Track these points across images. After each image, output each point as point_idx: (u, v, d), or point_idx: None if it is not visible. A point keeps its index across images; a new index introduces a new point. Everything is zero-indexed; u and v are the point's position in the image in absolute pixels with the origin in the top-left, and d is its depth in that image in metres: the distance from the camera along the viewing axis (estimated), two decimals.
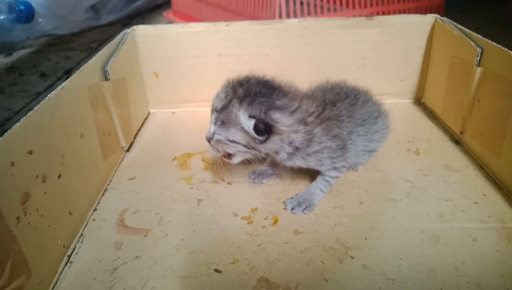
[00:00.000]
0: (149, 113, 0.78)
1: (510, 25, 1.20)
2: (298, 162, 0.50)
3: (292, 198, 0.53)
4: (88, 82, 0.54)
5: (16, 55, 1.20)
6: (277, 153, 0.49)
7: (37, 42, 1.31)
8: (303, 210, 0.51)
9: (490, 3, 1.46)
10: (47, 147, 0.43)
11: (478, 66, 0.59)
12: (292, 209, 0.51)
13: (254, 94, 0.46)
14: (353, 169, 0.58)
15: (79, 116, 0.51)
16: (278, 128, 0.46)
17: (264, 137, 0.46)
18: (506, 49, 0.54)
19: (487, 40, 0.58)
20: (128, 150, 0.65)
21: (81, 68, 0.53)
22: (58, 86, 0.94)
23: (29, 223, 0.39)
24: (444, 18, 0.70)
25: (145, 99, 0.77)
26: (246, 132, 0.46)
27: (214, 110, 0.48)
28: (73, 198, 0.48)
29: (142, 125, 0.74)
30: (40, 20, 1.27)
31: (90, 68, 0.55)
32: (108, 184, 0.57)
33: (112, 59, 0.60)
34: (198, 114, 0.77)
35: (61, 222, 0.45)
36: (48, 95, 0.45)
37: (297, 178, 0.57)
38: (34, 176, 0.41)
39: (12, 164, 0.37)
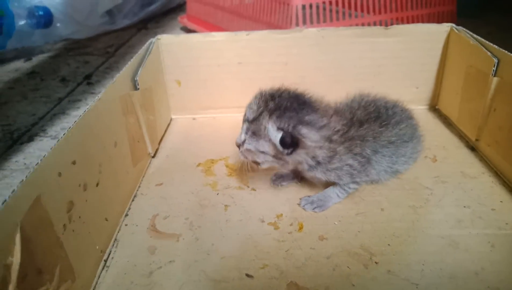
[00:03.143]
0: (171, 119, 0.81)
1: None
2: (319, 175, 0.53)
3: (308, 196, 0.56)
4: (120, 92, 0.56)
5: (35, 60, 1.23)
6: (299, 163, 0.52)
7: (55, 47, 1.34)
8: (314, 208, 0.54)
9: (498, 11, 1.48)
10: (87, 157, 0.45)
11: (495, 76, 0.60)
12: (304, 205, 0.55)
13: (284, 108, 0.48)
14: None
15: (113, 126, 0.53)
16: (304, 143, 0.48)
17: (290, 150, 0.48)
18: None
19: (503, 50, 0.60)
20: (154, 156, 0.68)
21: (114, 80, 0.55)
22: (78, 91, 0.98)
23: (73, 230, 0.41)
24: (460, 28, 0.72)
25: (167, 105, 0.79)
26: (274, 144, 0.48)
27: (246, 120, 0.51)
28: (108, 204, 0.51)
29: (165, 131, 0.76)
30: (58, 25, 1.29)
31: (122, 78, 0.57)
32: (137, 190, 0.60)
33: (140, 69, 0.62)
34: (218, 120, 0.80)
35: (99, 228, 0.48)
36: (87, 107, 0.47)
37: (321, 185, 0.59)
38: (77, 185, 0.43)
39: (59, 174, 0.40)
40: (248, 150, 0.51)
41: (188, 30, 1.39)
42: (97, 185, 0.47)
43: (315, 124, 0.48)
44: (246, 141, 0.51)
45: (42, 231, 0.36)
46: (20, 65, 1.19)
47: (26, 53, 1.27)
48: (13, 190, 0.33)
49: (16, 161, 0.71)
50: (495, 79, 0.60)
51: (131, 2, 1.48)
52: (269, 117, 0.48)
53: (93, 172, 0.47)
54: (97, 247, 0.47)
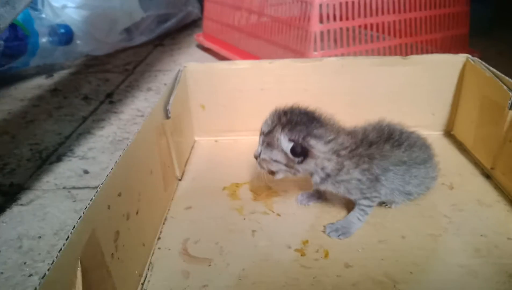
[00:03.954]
0: (195, 141, 0.84)
1: None
2: (329, 187, 0.57)
3: (332, 223, 0.59)
4: (155, 123, 0.59)
5: (56, 76, 1.27)
6: (311, 175, 0.56)
7: (75, 63, 1.38)
8: (339, 235, 0.57)
9: (510, 28, 1.50)
10: (129, 187, 0.49)
11: (510, 109, 0.63)
12: (329, 233, 0.57)
13: (295, 123, 0.53)
14: (387, 206, 0.62)
15: (149, 155, 0.56)
16: (313, 153, 0.53)
17: (300, 159, 0.53)
18: None
19: None
20: (180, 179, 0.71)
21: (150, 111, 0.58)
22: (102, 110, 1.02)
23: (118, 258, 0.44)
24: (476, 59, 0.75)
25: (191, 128, 0.82)
26: (286, 154, 0.53)
27: (262, 133, 0.56)
28: (145, 230, 0.54)
29: (190, 153, 0.79)
30: (78, 42, 1.33)
31: (157, 109, 0.61)
32: (167, 213, 0.63)
33: (172, 98, 0.66)
34: (240, 143, 0.83)
35: (137, 254, 0.50)
36: (130, 141, 0.50)
37: (342, 210, 0.62)
38: (122, 215, 0.46)
39: (108, 207, 0.43)
40: (264, 160, 0.56)
41: (204, 48, 1.42)
42: (137, 213, 0.50)
43: (323, 137, 0.53)
44: (262, 151, 0.56)
45: (96, 262, 0.39)
46: (42, 82, 1.23)
47: (47, 70, 1.31)
48: (74, 226, 0.36)
49: (47, 182, 0.75)
50: (511, 112, 0.63)
51: (148, 19, 1.52)
52: (281, 130, 0.53)
53: (134, 201, 0.50)
54: (137, 272, 0.50)
